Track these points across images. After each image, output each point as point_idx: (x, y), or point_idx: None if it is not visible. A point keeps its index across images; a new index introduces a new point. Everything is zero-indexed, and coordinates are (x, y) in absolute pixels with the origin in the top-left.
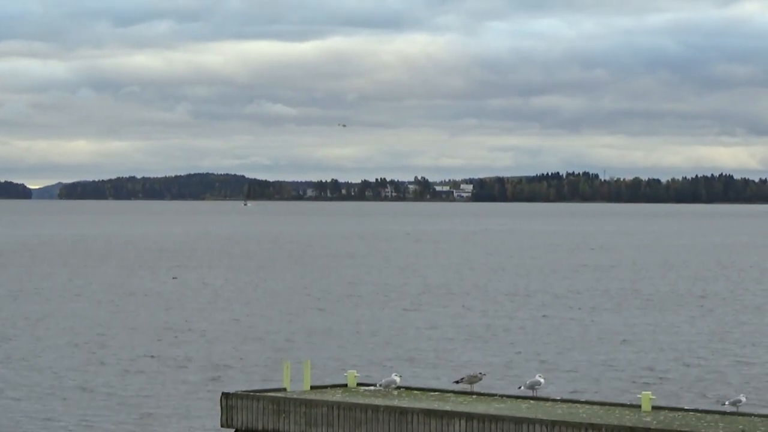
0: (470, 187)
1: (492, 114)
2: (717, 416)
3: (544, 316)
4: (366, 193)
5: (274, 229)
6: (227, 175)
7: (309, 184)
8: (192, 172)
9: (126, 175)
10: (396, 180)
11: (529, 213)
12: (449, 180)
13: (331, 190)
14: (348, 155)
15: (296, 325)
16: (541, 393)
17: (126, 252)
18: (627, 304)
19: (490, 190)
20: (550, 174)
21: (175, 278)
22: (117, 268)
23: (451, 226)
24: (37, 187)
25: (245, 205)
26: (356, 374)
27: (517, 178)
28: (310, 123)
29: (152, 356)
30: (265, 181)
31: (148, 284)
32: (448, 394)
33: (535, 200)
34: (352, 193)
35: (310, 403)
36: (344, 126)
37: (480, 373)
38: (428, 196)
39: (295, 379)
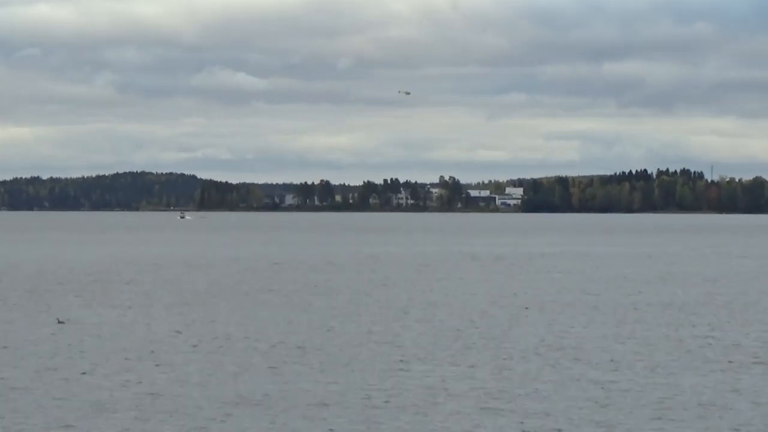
0: (519, 192)
1: (548, 87)
2: None
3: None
4: (370, 199)
5: (224, 252)
6: (171, 174)
7: (288, 187)
8: (120, 171)
9: (25, 175)
10: (413, 181)
11: (605, 227)
12: (489, 181)
13: (321, 196)
14: (344, 146)
15: (228, 395)
16: None
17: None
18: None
19: (548, 195)
20: (633, 172)
21: (62, 323)
22: None
23: (485, 246)
24: None
25: (182, 218)
26: None
27: (586, 179)
28: (288, 99)
29: None
30: (226, 183)
31: (20, 331)
32: None
33: (612, 210)
34: (351, 200)
35: None
36: (407, 93)
37: None
38: (459, 205)
39: None
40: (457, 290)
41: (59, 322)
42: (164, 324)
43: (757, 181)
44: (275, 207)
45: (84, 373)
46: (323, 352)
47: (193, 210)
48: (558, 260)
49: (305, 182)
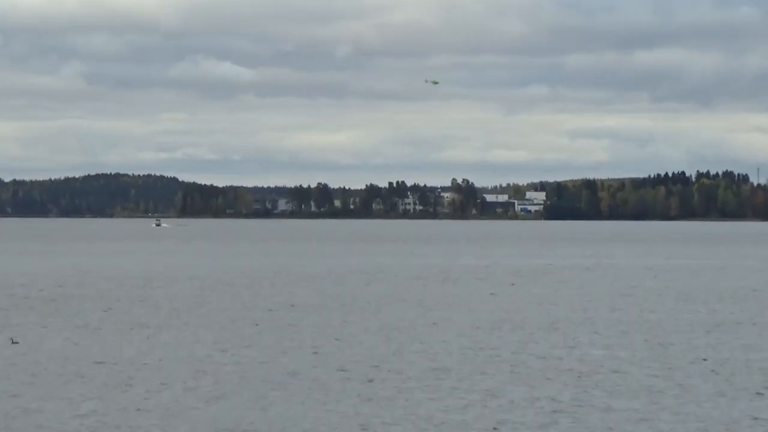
0: (541, 196)
1: (574, 79)
2: None
3: None
4: (374, 205)
5: (200, 264)
6: (149, 177)
7: (281, 191)
8: (92, 173)
9: None
10: (422, 185)
11: (637, 237)
12: (508, 185)
13: (318, 201)
14: (343, 145)
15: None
16: None
17: None
18: None
19: (573, 200)
20: (669, 175)
21: (16, 343)
22: None
23: (500, 258)
24: None
25: (157, 225)
26: None
27: (616, 182)
28: (279, 92)
29: None
30: (211, 186)
31: None
32: None
33: (646, 217)
34: (352, 206)
35: None
36: (435, 83)
37: None
38: (474, 211)
39: None
40: (463, 308)
41: (13, 343)
42: (127, 346)
43: None
44: (266, 213)
45: (38, 400)
46: (311, 378)
47: (174, 217)
48: (582, 274)
49: (300, 185)
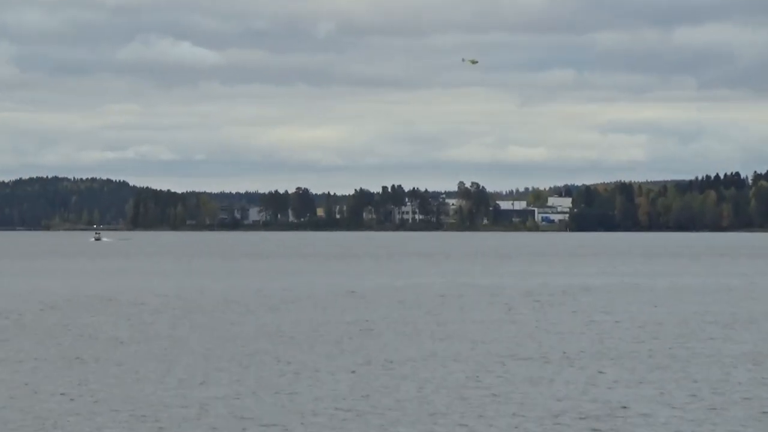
0: (566, 203)
1: (603, 61)
2: None
3: None
4: (364, 214)
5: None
6: (93, 181)
7: (253, 197)
8: (24, 177)
9: None
10: (422, 189)
11: (681, 251)
12: (526, 189)
13: (298, 210)
14: (327, 142)
15: None
16: None
17: None
18: None
19: (605, 207)
20: (721, 176)
21: None
22: None
23: (511, 277)
24: None
25: (96, 239)
26: None
27: (656, 186)
28: (250, 79)
29: None
30: (168, 192)
31: None
32: None
33: (692, 227)
34: (338, 215)
35: None
36: (474, 62)
37: None
38: (485, 221)
39: None
40: (466, 337)
41: None
42: (48, 384)
43: None
44: (235, 224)
45: None
46: (280, 427)
47: (125, 229)
48: (610, 296)
49: (275, 191)
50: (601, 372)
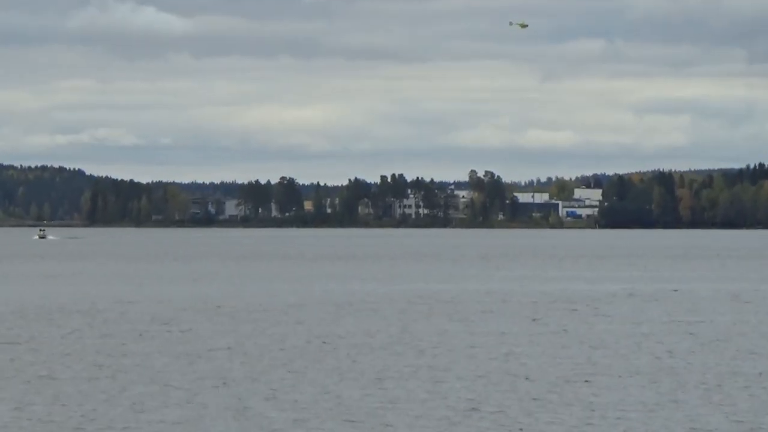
0: (596, 195)
1: (639, 30)
2: None
3: None
4: (360, 208)
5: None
6: (43, 170)
7: (229, 188)
8: None
9: None
10: (428, 180)
11: (728, 251)
12: (548, 179)
13: (282, 203)
14: (316, 124)
15: None
16: None
17: None
18: None
19: (641, 200)
20: None
21: None
22: None
23: (525, 282)
24: None
25: (41, 237)
26: None
27: (701, 175)
28: (225, 50)
29: None
30: (131, 182)
31: None
32: None
33: (743, 224)
34: (330, 209)
35: None
36: (524, 26)
37: None
38: (501, 216)
39: None
40: (469, 350)
41: None
42: None
43: None
44: (210, 220)
45: None
46: None
47: (80, 225)
48: (640, 304)
49: (256, 181)
50: (621, 394)
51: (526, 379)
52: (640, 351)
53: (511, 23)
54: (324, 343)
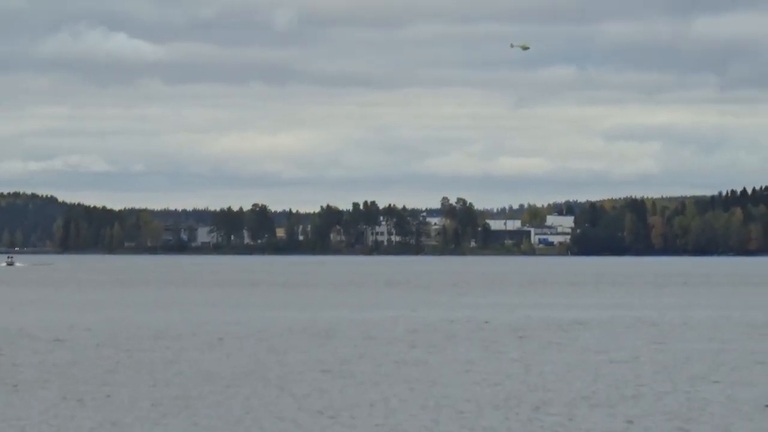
0: (568, 222)
1: (611, 56)
2: None
3: None
4: (332, 235)
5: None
6: (16, 196)
7: (202, 215)
8: None
9: None
10: (400, 207)
11: (700, 279)
12: (520, 206)
13: (254, 230)
14: (288, 151)
15: None
16: None
17: None
18: None
19: (613, 227)
20: (748, 192)
21: None
22: None
23: (496, 310)
24: None
25: (9, 264)
26: None
27: (673, 202)
28: (196, 77)
29: None
30: (103, 209)
31: None
32: None
33: (715, 250)
34: (302, 236)
35: None
36: (525, 48)
37: None
38: (474, 243)
39: None
40: (439, 380)
41: None
42: None
43: None
44: (182, 247)
45: None
46: None
47: (53, 252)
48: (606, 331)
49: (228, 208)
50: (587, 424)
51: (484, 407)
52: (605, 378)
53: (512, 45)
54: (284, 370)
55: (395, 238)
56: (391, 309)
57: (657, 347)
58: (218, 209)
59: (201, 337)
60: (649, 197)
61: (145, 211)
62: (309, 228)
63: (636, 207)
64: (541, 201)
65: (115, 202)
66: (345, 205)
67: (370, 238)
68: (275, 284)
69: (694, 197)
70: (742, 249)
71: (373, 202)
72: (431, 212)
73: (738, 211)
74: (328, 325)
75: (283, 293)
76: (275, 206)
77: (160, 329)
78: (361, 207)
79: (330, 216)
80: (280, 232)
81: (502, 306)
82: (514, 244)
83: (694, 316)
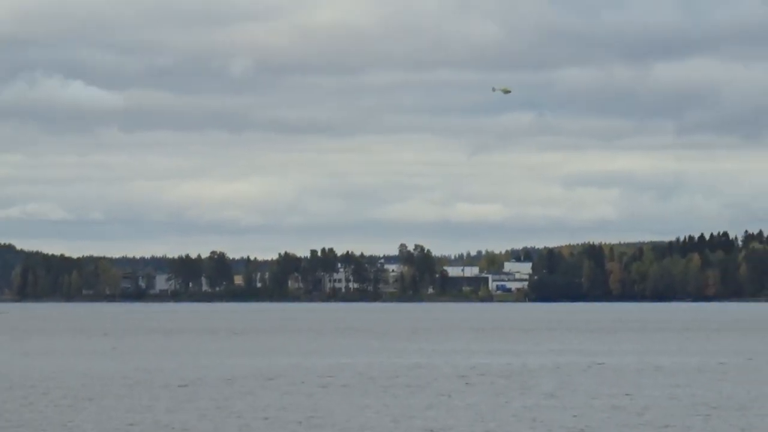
0: (526, 269)
1: (569, 103)
2: None
3: None
4: (290, 282)
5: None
6: None
7: (160, 263)
8: None
9: None
10: (357, 253)
11: (659, 325)
12: (478, 252)
13: (213, 278)
14: (245, 198)
15: None
16: None
17: None
18: None
19: (571, 273)
20: (706, 237)
21: None
22: None
23: (456, 357)
24: None
25: None
26: None
27: (630, 248)
28: (154, 124)
29: None
30: (61, 256)
31: None
32: None
33: (673, 297)
34: (260, 283)
35: None
36: (507, 91)
37: None
38: (431, 290)
39: None
40: (380, 426)
41: None
42: None
43: None
44: (140, 294)
45: None
46: None
47: (10, 300)
48: (559, 377)
49: (186, 256)
50: None
51: None
52: (556, 425)
53: (494, 89)
54: (227, 417)
55: (353, 285)
56: (346, 356)
57: (612, 393)
58: (176, 257)
59: (153, 385)
60: (607, 243)
61: (103, 258)
62: (267, 275)
63: (594, 253)
64: (499, 247)
65: (74, 250)
66: (303, 252)
67: (328, 285)
68: (232, 331)
69: (652, 243)
70: (700, 295)
71: (330, 249)
72: (389, 259)
73: (696, 257)
74: (282, 373)
75: (240, 340)
76: (233, 253)
77: (107, 377)
78: (319, 254)
79: (288, 263)
80: (239, 280)
81: (459, 352)
82: (472, 290)
83: (651, 361)
